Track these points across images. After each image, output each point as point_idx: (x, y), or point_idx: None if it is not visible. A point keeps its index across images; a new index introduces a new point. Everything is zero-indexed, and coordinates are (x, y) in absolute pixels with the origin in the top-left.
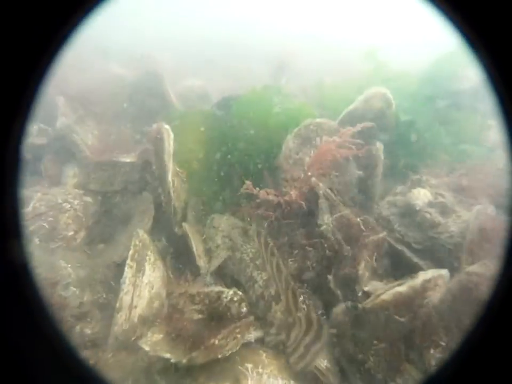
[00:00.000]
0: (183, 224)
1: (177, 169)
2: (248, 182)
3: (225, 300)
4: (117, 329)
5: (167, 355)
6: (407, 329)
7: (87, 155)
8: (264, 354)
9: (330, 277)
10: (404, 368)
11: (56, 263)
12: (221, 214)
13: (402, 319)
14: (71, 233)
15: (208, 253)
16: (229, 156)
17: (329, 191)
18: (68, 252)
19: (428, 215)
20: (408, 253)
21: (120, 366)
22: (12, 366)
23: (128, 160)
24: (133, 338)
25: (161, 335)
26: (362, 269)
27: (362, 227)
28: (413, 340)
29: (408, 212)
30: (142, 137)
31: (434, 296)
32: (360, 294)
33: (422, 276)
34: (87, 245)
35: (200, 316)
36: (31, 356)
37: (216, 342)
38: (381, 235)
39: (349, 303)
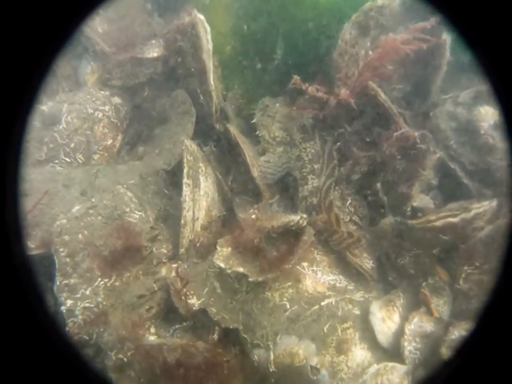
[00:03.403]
0: (229, 127)
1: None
2: (296, 77)
3: (291, 223)
4: (185, 241)
5: (243, 270)
6: (448, 245)
7: (102, 47)
8: (315, 251)
9: (378, 185)
10: (436, 272)
11: (113, 189)
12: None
13: (446, 237)
14: (109, 142)
15: (260, 142)
16: (268, 44)
17: (389, 101)
18: (116, 168)
19: (490, 140)
20: (459, 172)
21: (196, 273)
22: (12, 366)
23: (155, 55)
24: (197, 244)
25: (229, 249)
26: (416, 189)
27: (418, 141)
28: (450, 254)
29: (469, 131)
30: (167, 27)
31: (483, 230)
32: (409, 209)
33: (475, 210)
34: (126, 150)
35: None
36: (31, 356)
37: (290, 266)
38: (437, 155)
39: (399, 219)
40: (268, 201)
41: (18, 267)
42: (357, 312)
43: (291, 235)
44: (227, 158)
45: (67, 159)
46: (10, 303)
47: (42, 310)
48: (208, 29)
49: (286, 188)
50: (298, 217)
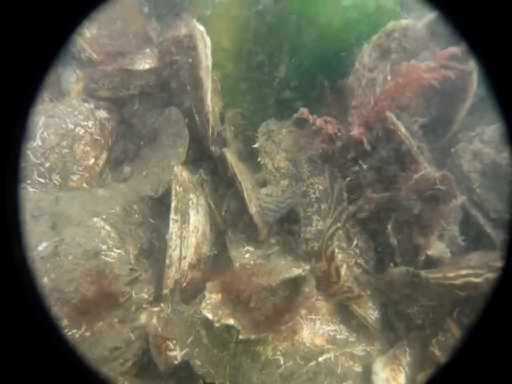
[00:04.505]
0: (226, 152)
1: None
2: (303, 109)
3: (292, 277)
4: (169, 282)
5: (233, 323)
6: (464, 302)
7: (89, 54)
8: (315, 297)
9: (389, 228)
10: (447, 326)
11: (90, 223)
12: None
13: (462, 293)
14: (91, 161)
15: (261, 169)
16: (275, 62)
17: (410, 137)
18: (95, 194)
19: None
20: (481, 220)
21: (180, 320)
22: (12, 366)
23: (147, 66)
24: (184, 284)
25: (219, 295)
26: (433, 238)
27: (438, 183)
28: (466, 308)
29: (496, 174)
30: (163, 34)
31: None
32: (422, 258)
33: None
34: (111, 168)
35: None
36: (31, 356)
37: (287, 327)
38: (459, 201)
39: (411, 270)
40: (265, 252)
41: (19, 267)
42: (358, 369)
43: (290, 284)
44: (223, 185)
45: (41, 180)
46: (10, 302)
47: (41, 309)
48: (209, 42)
49: (287, 226)
50: (300, 270)
